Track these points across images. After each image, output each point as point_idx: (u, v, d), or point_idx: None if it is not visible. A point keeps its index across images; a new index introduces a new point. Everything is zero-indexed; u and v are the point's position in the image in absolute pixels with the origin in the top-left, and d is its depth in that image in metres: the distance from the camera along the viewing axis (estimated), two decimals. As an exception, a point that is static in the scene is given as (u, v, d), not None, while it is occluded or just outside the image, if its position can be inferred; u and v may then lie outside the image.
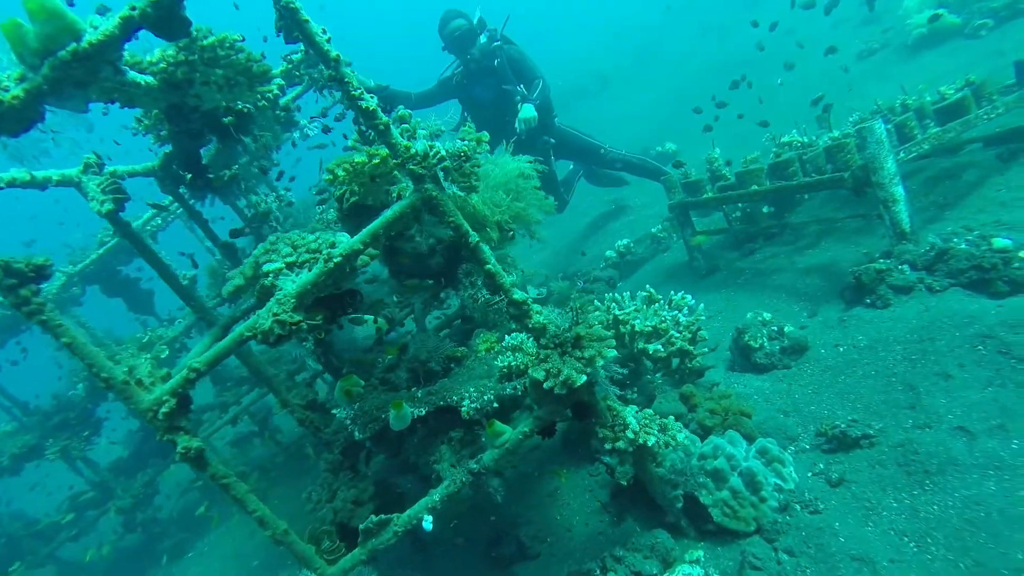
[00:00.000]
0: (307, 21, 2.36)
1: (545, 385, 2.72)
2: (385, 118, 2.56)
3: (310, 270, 2.69)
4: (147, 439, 7.55)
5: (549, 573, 3.41)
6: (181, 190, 4.71)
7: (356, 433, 3.43)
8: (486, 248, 2.78)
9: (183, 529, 7.20)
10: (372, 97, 2.54)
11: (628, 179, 9.04)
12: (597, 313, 3.86)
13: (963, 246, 3.80)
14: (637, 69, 20.43)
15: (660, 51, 20.22)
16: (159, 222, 7.09)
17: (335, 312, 3.72)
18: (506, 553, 3.72)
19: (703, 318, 3.87)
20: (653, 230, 7.53)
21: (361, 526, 2.88)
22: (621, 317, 3.75)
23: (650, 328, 3.63)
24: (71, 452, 6.50)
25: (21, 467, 6.78)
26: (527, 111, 6.70)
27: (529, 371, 2.79)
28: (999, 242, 3.68)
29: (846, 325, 4.01)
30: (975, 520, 2.45)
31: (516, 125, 6.78)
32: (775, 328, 4.15)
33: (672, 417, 3.00)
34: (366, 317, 4.62)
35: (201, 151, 4.48)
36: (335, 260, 2.61)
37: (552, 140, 7.69)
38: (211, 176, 4.56)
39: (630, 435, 2.86)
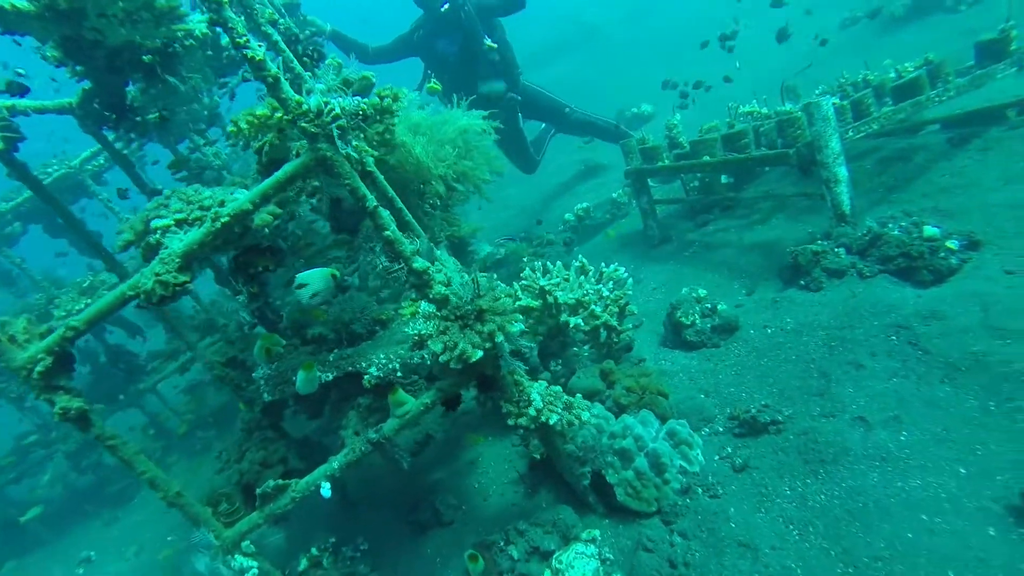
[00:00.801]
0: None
1: (441, 359, 2.66)
2: (274, 70, 2.37)
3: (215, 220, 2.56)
4: (97, 383, 7.44)
5: (459, 540, 3.44)
6: (104, 131, 4.48)
7: (265, 395, 3.37)
8: (385, 213, 2.66)
9: (127, 474, 7.20)
10: (260, 46, 2.35)
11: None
12: (522, 281, 3.77)
13: (896, 232, 3.75)
14: (627, 23, 19.80)
15: (656, 5, 19.56)
16: (102, 161, 6.80)
17: (255, 268, 3.60)
18: (422, 519, 3.74)
19: (630, 292, 3.81)
20: (614, 195, 7.40)
21: (258, 490, 2.84)
22: (547, 287, 3.67)
23: (573, 301, 3.57)
24: (8, 394, 6.39)
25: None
26: (493, 87, 6.48)
27: (428, 342, 2.72)
28: (928, 230, 3.64)
29: (778, 306, 3.98)
30: (853, 510, 2.48)
31: (480, 89, 6.55)
32: (708, 306, 4.12)
33: (580, 395, 2.97)
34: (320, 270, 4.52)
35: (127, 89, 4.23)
36: (222, 220, 2.47)
37: (518, 97, 7.47)
38: (137, 119, 4.32)
39: (532, 412, 2.82)
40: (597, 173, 9.65)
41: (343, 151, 2.52)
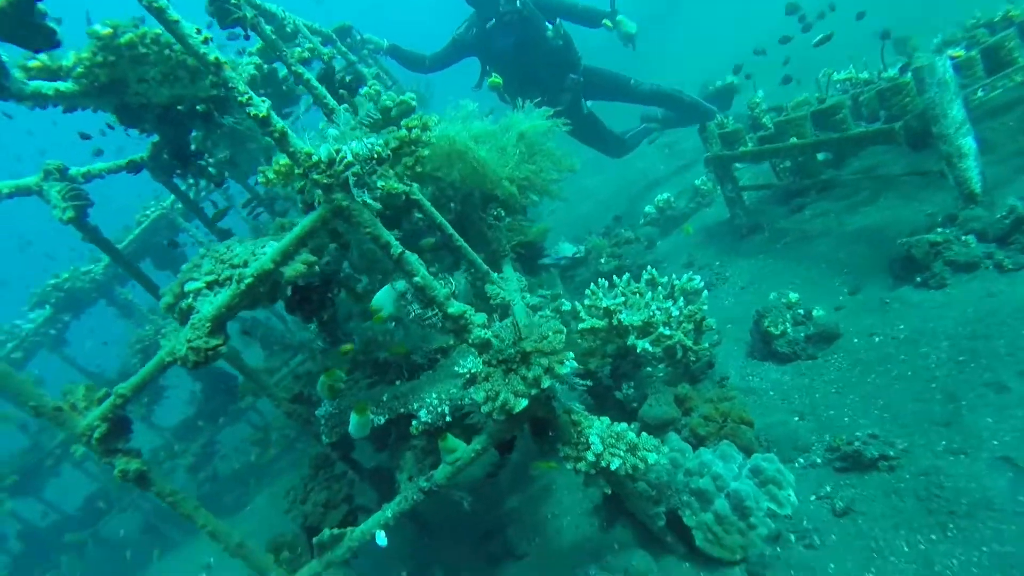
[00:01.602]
0: (176, 22, 2.06)
1: (483, 409, 2.44)
2: (281, 124, 2.25)
3: (239, 282, 2.51)
4: (206, 402, 8.02)
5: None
6: (176, 180, 4.67)
7: (323, 437, 3.34)
8: (413, 258, 2.47)
9: (241, 484, 7.71)
10: (264, 101, 2.23)
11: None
12: (585, 300, 3.46)
13: (1044, 213, 3.03)
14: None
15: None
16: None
17: (310, 308, 3.59)
18: (494, 551, 3.59)
19: (705, 307, 3.38)
20: (696, 182, 6.81)
21: (315, 540, 2.80)
22: (611, 307, 3.34)
23: (640, 322, 3.21)
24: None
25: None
26: (628, 25, 6.19)
27: (470, 391, 2.51)
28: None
29: (888, 309, 3.38)
30: (999, 588, 1.98)
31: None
32: (801, 312, 3.59)
33: (646, 433, 2.65)
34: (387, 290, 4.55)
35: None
36: (247, 281, 2.40)
37: (580, 79, 7.08)
38: (201, 163, 4.47)
39: (591, 457, 2.54)
40: (682, 156, 8.99)
41: (359, 199, 2.35)
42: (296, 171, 2.57)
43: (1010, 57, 3.65)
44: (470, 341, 2.55)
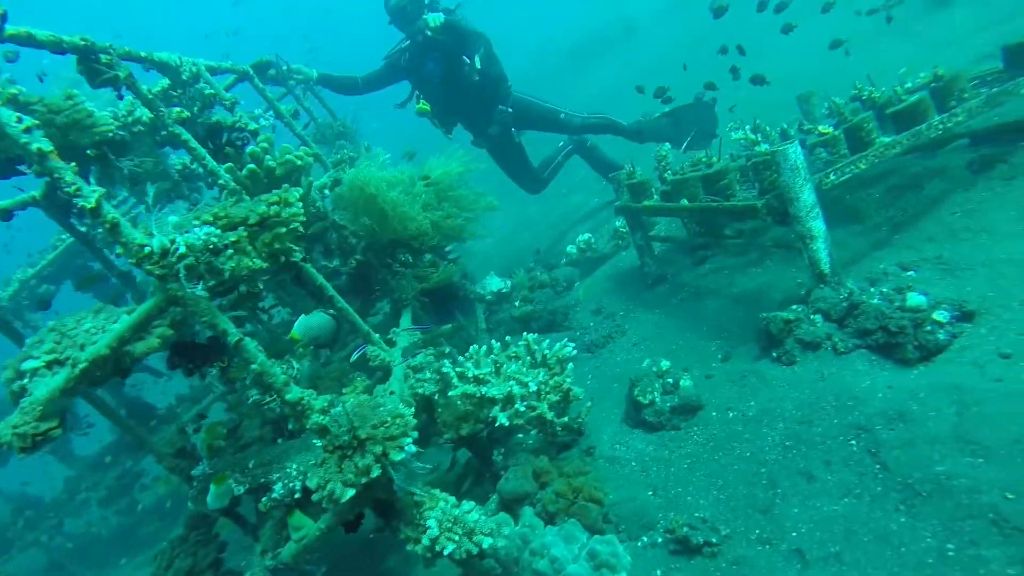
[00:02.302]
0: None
1: (313, 498, 2.51)
2: (113, 214, 2.30)
3: (73, 367, 2.52)
4: (122, 437, 7.86)
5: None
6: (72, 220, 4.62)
7: (189, 502, 3.35)
8: (251, 345, 2.52)
9: (160, 519, 7.57)
10: (93, 191, 2.27)
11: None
12: (457, 368, 3.54)
13: (875, 300, 3.23)
14: (668, 14, 18.83)
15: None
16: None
17: (198, 365, 3.58)
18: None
19: (569, 379, 3.50)
20: (617, 224, 6.97)
21: (162, 620, 2.81)
22: (479, 376, 3.43)
23: (501, 395, 3.31)
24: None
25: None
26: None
27: (306, 479, 2.58)
28: (913, 298, 3.10)
29: (745, 383, 3.55)
30: None
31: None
32: (671, 381, 3.73)
33: (483, 518, 2.74)
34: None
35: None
36: (81, 367, 2.42)
37: (509, 110, 7.18)
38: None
39: (426, 541, 2.62)
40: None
41: (191, 291, 2.39)
42: (129, 260, 2.61)
43: (869, 138, 3.87)
44: (307, 427, 2.62)
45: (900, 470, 2.49)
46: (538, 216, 10.35)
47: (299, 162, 3.76)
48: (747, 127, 5.11)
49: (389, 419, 2.67)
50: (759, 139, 4.86)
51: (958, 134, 4.63)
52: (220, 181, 3.38)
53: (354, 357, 3.74)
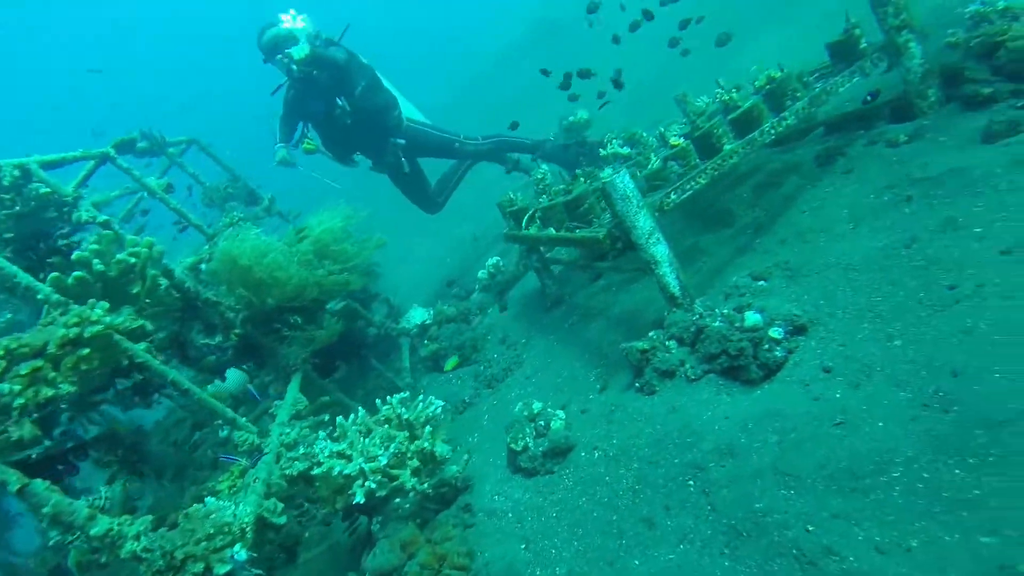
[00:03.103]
0: None
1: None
2: None
3: None
4: None
5: None
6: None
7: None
8: (39, 487, 2.39)
9: None
10: None
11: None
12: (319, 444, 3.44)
13: (717, 323, 3.21)
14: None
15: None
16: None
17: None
18: None
19: (430, 442, 3.42)
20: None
21: None
22: (341, 451, 3.34)
23: (355, 471, 3.22)
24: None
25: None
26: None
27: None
28: (750, 318, 3.08)
29: (612, 417, 3.51)
30: None
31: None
32: (543, 423, 3.68)
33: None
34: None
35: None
36: None
37: (400, 141, 7.10)
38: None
39: (266, 655, 2.52)
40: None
41: None
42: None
43: (720, 144, 3.86)
44: (123, 557, 2.50)
45: (726, 510, 2.46)
46: (467, 236, 10.29)
47: (133, 260, 3.61)
48: (616, 140, 5.10)
49: (213, 530, 2.57)
50: (632, 153, 4.83)
51: (815, 123, 4.69)
52: (39, 296, 3.22)
53: (223, 457, 3.63)
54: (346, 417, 4.11)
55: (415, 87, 8.39)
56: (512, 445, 3.64)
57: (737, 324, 3.14)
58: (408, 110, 7.73)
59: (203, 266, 5.03)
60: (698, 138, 3.96)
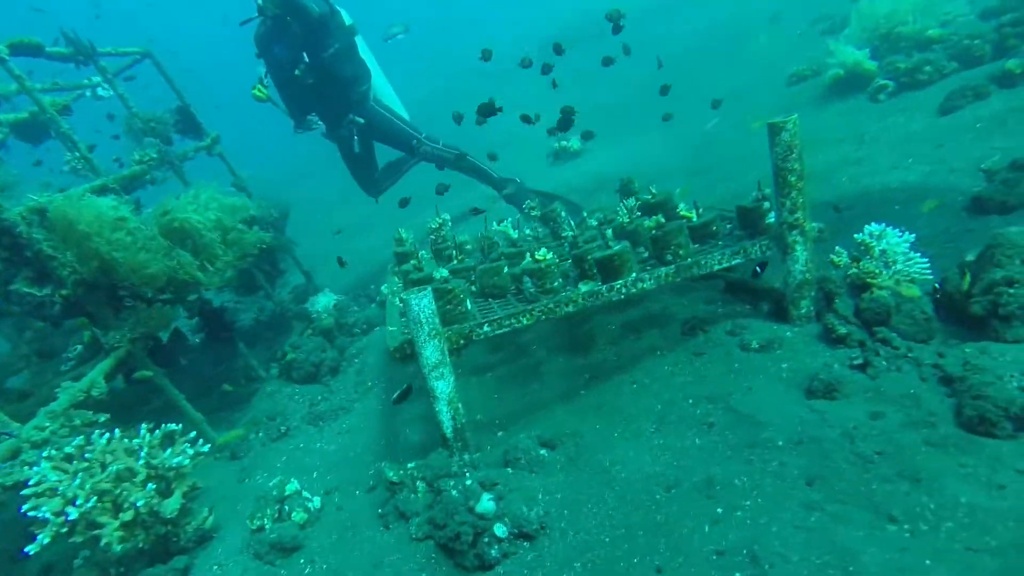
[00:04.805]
0: None
1: None
2: None
3: None
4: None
5: None
6: None
7: None
8: None
9: None
10: None
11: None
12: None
13: (455, 493, 2.92)
14: (656, 13, 17.87)
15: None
16: None
17: None
18: None
19: (140, 494, 3.21)
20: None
21: None
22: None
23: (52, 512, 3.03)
24: None
25: None
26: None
27: None
28: (483, 504, 2.79)
29: (347, 534, 3.28)
30: None
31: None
32: (287, 508, 3.46)
33: None
34: None
35: None
36: None
37: (360, 120, 6.73)
38: None
39: None
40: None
41: None
42: None
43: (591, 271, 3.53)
44: None
45: None
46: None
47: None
48: (509, 220, 4.74)
49: None
50: (517, 241, 4.47)
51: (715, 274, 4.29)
52: None
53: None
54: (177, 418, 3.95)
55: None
56: (249, 522, 3.44)
57: (472, 503, 2.86)
58: (383, 89, 7.31)
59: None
60: (576, 256, 3.66)
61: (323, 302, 7.25)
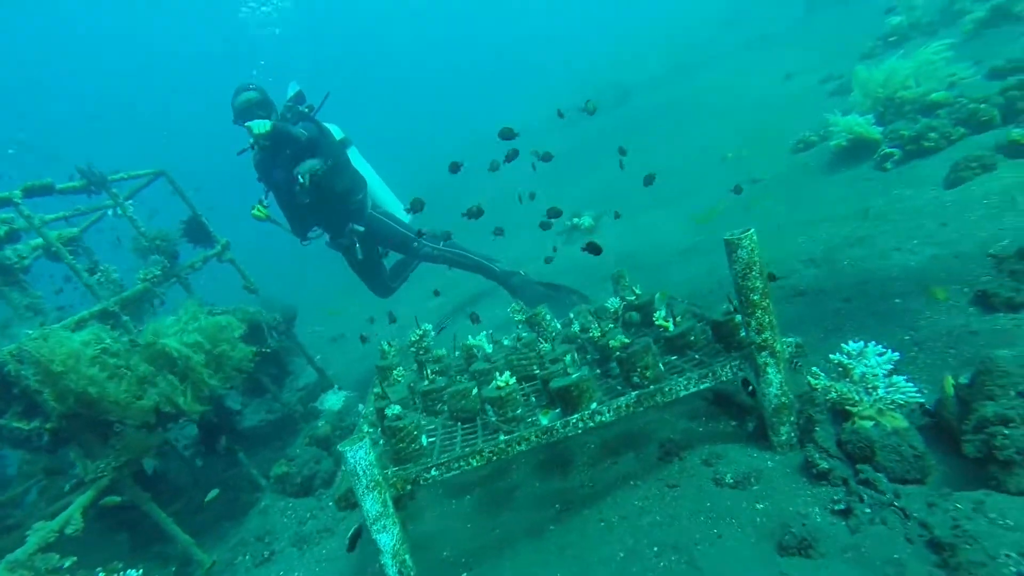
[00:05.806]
0: None
1: None
2: None
3: None
4: None
5: None
6: None
7: None
8: None
9: None
10: None
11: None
12: None
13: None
14: (669, 80, 18.13)
15: (707, 61, 17.71)
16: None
17: None
18: None
19: None
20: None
21: None
22: None
23: None
24: None
25: None
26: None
27: None
28: None
29: None
30: None
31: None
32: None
33: None
34: None
35: None
36: None
37: (360, 228, 6.87)
38: None
39: None
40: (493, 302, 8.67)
41: None
42: None
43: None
44: None
45: None
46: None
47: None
48: (483, 335, 4.59)
49: None
50: (491, 356, 4.31)
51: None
52: None
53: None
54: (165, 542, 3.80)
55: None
56: None
57: None
58: (381, 194, 7.50)
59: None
60: (543, 380, 3.49)
61: (331, 401, 7.23)
